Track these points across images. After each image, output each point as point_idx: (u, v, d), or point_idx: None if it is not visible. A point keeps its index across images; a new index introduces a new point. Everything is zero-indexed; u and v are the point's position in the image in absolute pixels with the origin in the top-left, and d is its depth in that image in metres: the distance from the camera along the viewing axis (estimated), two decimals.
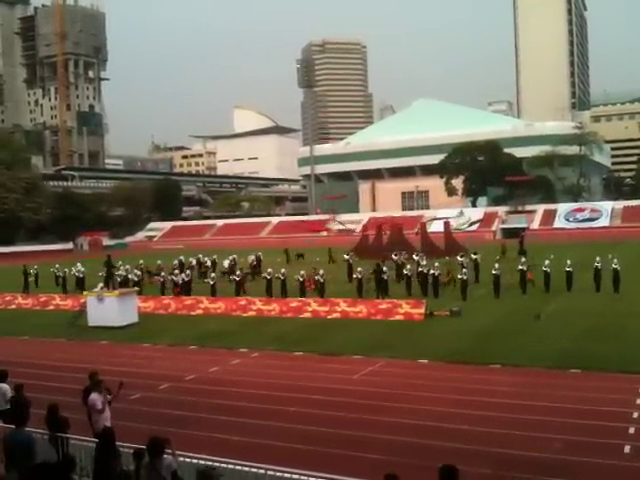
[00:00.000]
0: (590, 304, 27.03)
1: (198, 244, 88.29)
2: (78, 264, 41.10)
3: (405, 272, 32.28)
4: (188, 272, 37.31)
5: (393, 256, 35.54)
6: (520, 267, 31.25)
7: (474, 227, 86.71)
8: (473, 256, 36.89)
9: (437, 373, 17.33)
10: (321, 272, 32.45)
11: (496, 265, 30.83)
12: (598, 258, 31.06)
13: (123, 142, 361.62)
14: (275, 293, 32.30)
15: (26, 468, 7.58)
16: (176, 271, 37.77)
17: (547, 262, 31.24)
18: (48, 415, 9.84)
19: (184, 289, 34.51)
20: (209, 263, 46.06)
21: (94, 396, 10.74)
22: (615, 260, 30.30)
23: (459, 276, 30.75)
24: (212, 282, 34.05)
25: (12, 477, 8.27)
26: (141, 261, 43.60)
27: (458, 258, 35.88)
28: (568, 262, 31.05)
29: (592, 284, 30.39)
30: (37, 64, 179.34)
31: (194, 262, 45.78)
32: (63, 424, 9.54)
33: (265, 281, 33.61)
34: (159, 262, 42.82)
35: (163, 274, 37.58)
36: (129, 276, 38.24)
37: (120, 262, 43.50)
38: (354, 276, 33.20)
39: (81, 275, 39.57)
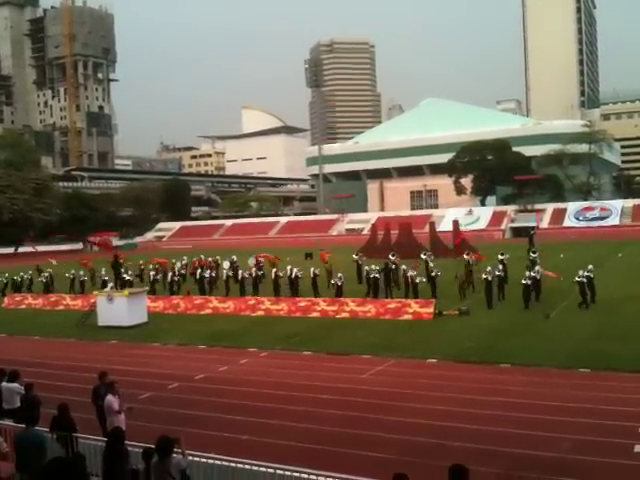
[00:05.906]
0: (600, 304, 26.80)
1: (207, 244, 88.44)
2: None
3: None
4: (183, 271, 37.53)
5: (390, 256, 34.87)
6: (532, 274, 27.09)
7: (473, 227, 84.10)
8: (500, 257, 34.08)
9: (446, 372, 17.28)
10: (295, 270, 32.50)
11: (488, 268, 28.57)
12: (590, 266, 26.74)
13: (132, 143, 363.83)
14: (268, 293, 32.05)
15: (37, 467, 7.58)
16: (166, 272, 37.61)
17: (537, 268, 28.06)
18: (57, 415, 9.84)
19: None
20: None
21: (110, 398, 10.74)
22: (590, 267, 26.62)
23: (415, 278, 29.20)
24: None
25: (23, 476, 8.29)
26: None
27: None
28: (527, 273, 26.81)
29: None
30: (46, 65, 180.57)
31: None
32: (70, 426, 9.52)
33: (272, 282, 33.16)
34: (174, 261, 42.07)
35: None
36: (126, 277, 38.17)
37: (141, 261, 43.23)
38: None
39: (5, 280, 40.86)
